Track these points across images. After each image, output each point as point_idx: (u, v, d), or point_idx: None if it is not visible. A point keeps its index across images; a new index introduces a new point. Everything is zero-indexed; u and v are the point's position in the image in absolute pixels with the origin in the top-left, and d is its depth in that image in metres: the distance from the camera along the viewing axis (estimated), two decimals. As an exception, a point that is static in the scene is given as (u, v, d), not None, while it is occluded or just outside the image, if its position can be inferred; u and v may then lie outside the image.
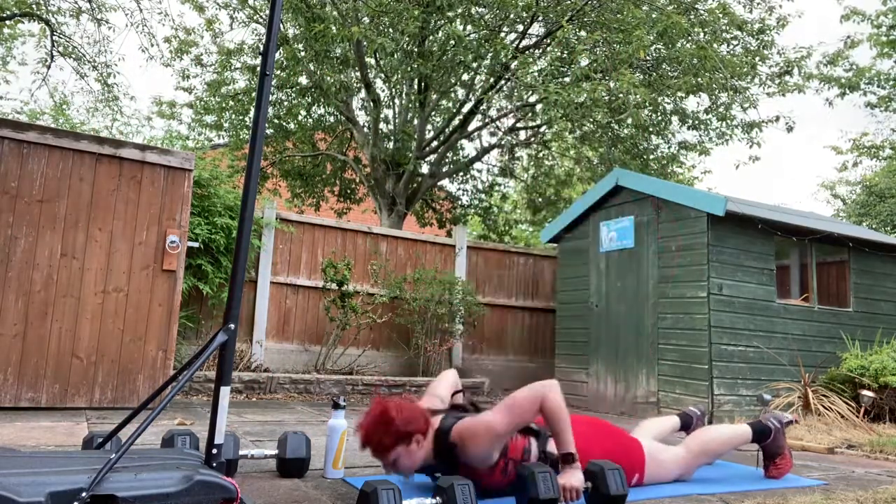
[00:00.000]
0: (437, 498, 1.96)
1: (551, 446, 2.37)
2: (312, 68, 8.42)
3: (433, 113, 9.94)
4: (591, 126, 8.76)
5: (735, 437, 2.84)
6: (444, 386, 2.67)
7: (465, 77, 9.17)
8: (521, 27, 8.44)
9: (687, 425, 3.17)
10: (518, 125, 10.31)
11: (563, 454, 2.22)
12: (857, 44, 13.18)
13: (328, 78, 8.12)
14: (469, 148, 11.31)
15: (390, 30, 7.88)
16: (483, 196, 12.11)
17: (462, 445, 2.20)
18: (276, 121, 9.73)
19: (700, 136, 9.39)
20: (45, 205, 4.13)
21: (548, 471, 2.12)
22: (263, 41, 6.10)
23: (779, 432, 2.88)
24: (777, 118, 8.94)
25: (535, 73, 7.93)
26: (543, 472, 2.10)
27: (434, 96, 9.31)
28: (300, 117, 10.11)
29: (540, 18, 8.24)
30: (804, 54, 8.84)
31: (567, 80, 7.73)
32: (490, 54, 8.06)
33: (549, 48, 8.37)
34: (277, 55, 8.24)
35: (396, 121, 9.99)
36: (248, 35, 14.21)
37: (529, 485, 2.08)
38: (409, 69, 8.20)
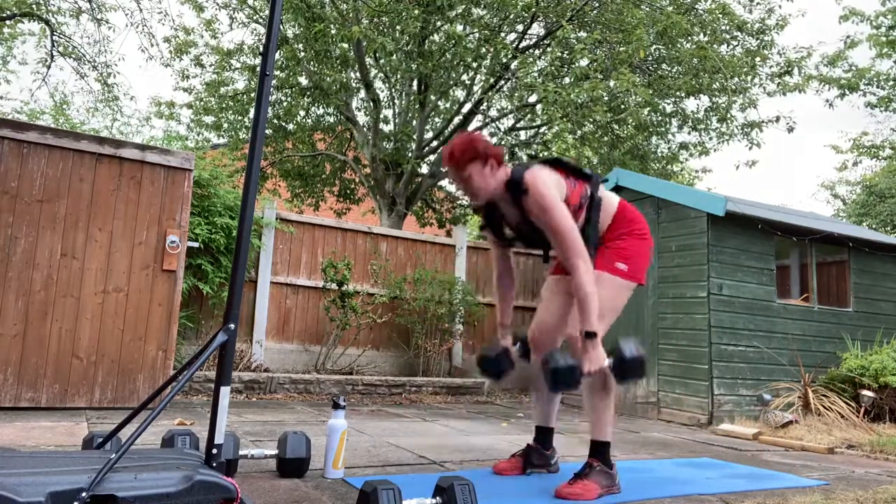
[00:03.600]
0: (437, 498, 1.96)
1: (602, 191, 2.70)
2: (312, 68, 8.42)
3: (433, 113, 9.94)
4: (592, 126, 8.76)
5: (608, 416, 2.60)
6: None
7: (465, 77, 9.17)
8: (520, 27, 8.44)
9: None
10: (518, 125, 10.30)
11: (587, 332, 2.38)
12: (857, 44, 13.18)
13: (328, 78, 8.12)
14: (469, 148, 11.28)
15: (390, 30, 7.88)
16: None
17: (525, 189, 2.47)
18: (275, 121, 9.73)
19: (700, 136, 9.39)
20: (45, 205, 4.13)
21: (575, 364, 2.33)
22: (263, 41, 6.10)
23: (606, 473, 2.53)
24: (777, 118, 8.94)
25: (535, 74, 7.93)
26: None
27: (434, 96, 9.30)
28: (300, 117, 10.11)
29: (540, 18, 8.24)
30: (804, 54, 8.84)
31: (567, 80, 7.73)
32: (490, 54, 8.06)
33: (549, 48, 8.36)
34: (277, 55, 8.24)
35: (396, 121, 9.98)
36: (247, 35, 14.21)
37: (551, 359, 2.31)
38: (409, 69, 8.20)
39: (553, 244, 2.52)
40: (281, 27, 8.69)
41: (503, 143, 10.07)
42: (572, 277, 2.42)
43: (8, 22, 10.30)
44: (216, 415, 1.80)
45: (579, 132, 9.30)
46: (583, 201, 2.63)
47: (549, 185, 2.48)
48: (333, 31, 7.39)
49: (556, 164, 2.65)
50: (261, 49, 5.02)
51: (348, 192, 11.36)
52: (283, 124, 9.88)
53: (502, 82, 8.81)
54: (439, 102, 9.83)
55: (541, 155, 11.33)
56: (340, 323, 6.31)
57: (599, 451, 2.51)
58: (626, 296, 2.67)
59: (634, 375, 2.39)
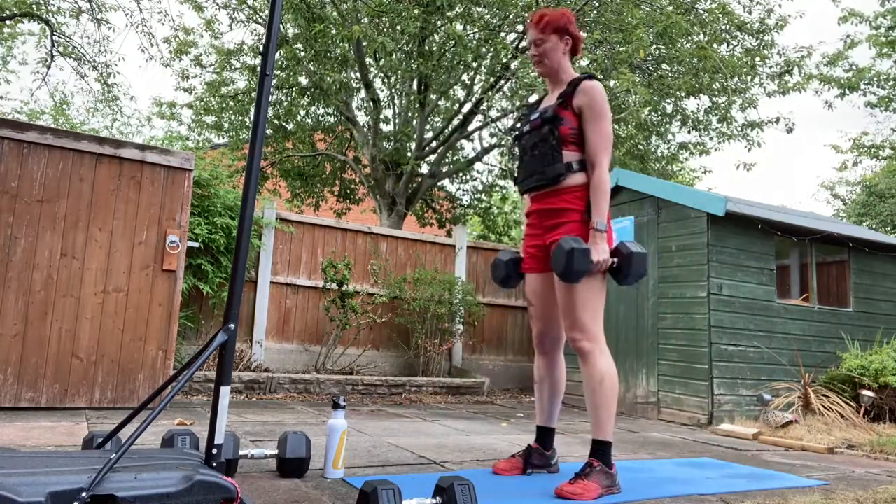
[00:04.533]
0: (437, 498, 1.96)
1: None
2: (312, 68, 8.42)
3: (433, 113, 9.94)
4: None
5: (610, 413, 2.56)
6: None
7: (465, 77, 9.18)
8: (521, 27, 8.44)
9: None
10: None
11: (598, 223, 2.54)
12: (857, 44, 13.19)
13: (328, 78, 8.12)
14: (469, 148, 11.32)
15: (390, 30, 7.88)
16: (483, 196, 12.11)
17: (589, 90, 2.63)
18: (275, 121, 9.74)
19: (700, 136, 9.40)
20: (45, 205, 4.13)
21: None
22: (263, 41, 6.10)
23: (606, 473, 2.49)
24: (777, 119, 8.95)
25: (535, 74, 7.93)
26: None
27: (434, 96, 9.31)
28: (300, 117, 10.12)
29: (540, 18, 8.23)
30: (804, 54, 8.85)
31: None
32: (490, 54, 8.06)
33: (549, 48, 8.35)
34: (277, 55, 8.24)
35: (396, 121, 9.98)
36: (247, 35, 14.22)
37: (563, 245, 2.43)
38: (408, 69, 8.21)
39: (589, 134, 2.62)
40: (281, 27, 8.69)
41: (503, 142, 10.07)
42: (593, 172, 2.59)
43: (8, 22, 10.30)
44: (216, 415, 1.80)
45: (579, 132, 9.29)
46: None
47: (606, 102, 2.66)
48: (333, 31, 7.39)
49: None
50: (261, 49, 5.02)
51: (348, 192, 11.36)
52: (283, 124, 9.89)
53: (502, 82, 8.81)
54: (439, 102, 9.84)
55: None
56: (340, 323, 6.31)
57: (600, 450, 2.51)
58: (602, 286, 2.64)
59: (639, 269, 2.52)
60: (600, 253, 2.50)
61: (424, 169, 9.96)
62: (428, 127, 10.01)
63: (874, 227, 13.18)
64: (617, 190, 6.27)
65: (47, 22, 10.05)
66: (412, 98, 9.45)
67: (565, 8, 2.79)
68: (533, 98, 8.95)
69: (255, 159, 1.93)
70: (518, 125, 2.96)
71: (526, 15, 8.01)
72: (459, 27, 8.02)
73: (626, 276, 2.53)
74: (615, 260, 2.53)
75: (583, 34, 7.87)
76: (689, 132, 9.32)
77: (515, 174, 2.91)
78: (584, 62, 7.96)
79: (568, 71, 2.79)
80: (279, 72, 8.54)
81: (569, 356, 6.67)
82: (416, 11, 7.27)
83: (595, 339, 2.57)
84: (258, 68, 8.97)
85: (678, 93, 8.32)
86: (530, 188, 2.79)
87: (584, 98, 2.62)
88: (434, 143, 9.81)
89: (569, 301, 2.58)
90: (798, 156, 43.98)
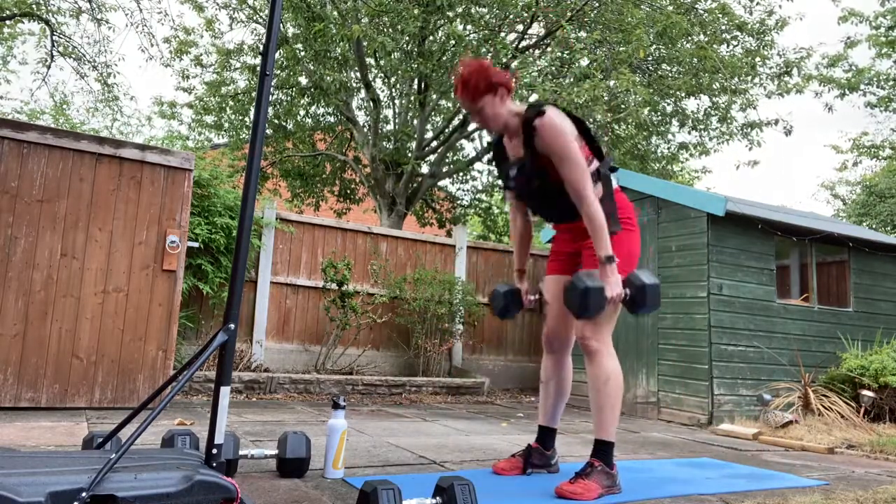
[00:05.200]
0: (437, 498, 1.96)
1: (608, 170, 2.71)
2: (312, 68, 8.42)
3: (433, 113, 9.94)
4: (591, 126, 8.75)
5: (615, 415, 2.58)
6: None
7: (465, 77, 9.16)
8: (520, 27, 8.44)
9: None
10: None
11: (606, 256, 2.47)
12: (856, 44, 13.19)
13: (328, 77, 8.12)
14: (469, 148, 11.31)
15: (390, 29, 7.88)
16: (483, 196, 12.11)
17: (541, 130, 2.52)
18: (275, 121, 9.74)
19: (700, 136, 9.40)
20: (45, 205, 4.13)
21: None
22: (263, 41, 6.10)
23: (607, 473, 2.49)
24: (776, 121, 8.94)
25: (535, 73, 7.94)
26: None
27: (434, 96, 9.30)
28: (300, 117, 10.11)
29: (540, 18, 8.24)
30: (804, 55, 8.85)
31: (567, 79, 7.73)
32: (490, 54, 8.06)
33: (548, 48, 8.37)
34: (277, 55, 8.24)
35: (396, 121, 9.98)
36: (247, 35, 14.22)
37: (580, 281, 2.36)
38: (408, 69, 8.20)
39: (563, 174, 2.53)
40: (281, 27, 8.68)
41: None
42: (582, 208, 2.51)
43: (8, 22, 10.30)
44: (216, 415, 1.80)
45: (579, 132, 9.29)
46: (589, 166, 2.66)
47: (563, 121, 2.55)
48: (333, 31, 7.39)
49: (574, 119, 2.69)
50: (261, 49, 5.02)
51: (348, 192, 11.36)
52: (283, 124, 9.89)
53: (502, 82, 8.79)
54: (440, 102, 9.83)
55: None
56: (340, 323, 6.31)
57: (602, 450, 2.51)
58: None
59: (653, 303, 2.47)
60: (613, 287, 2.45)
61: (424, 169, 9.96)
62: (428, 127, 10.01)
63: (874, 227, 13.18)
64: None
65: (47, 22, 10.05)
66: (412, 98, 9.45)
67: (483, 59, 2.61)
68: (533, 98, 8.95)
69: (255, 159, 1.93)
70: (501, 166, 2.83)
71: (526, 15, 8.02)
72: (459, 27, 8.02)
73: (640, 307, 2.49)
74: (628, 291, 2.48)
75: (582, 34, 7.87)
76: (689, 132, 9.33)
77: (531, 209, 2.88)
78: (584, 62, 7.96)
79: (513, 111, 2.65)
80: (279, 72, 8.55)
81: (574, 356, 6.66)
82: (416, 11, 7.27)
83: (604, 340, 2.59)
84: (258, 68, 8.97)
85: (678, 93, 8.32)
86: (551, 222, 2.84)
87: (541, 142, 2.54)
88: (434, 143, 9.81)
89: None
90: (798, 156, 43.99)
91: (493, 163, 2.90)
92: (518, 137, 2.66)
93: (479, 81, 2.56)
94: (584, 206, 2.50)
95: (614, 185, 2.76)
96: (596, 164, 2.67)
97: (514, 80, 2.71)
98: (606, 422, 2.54)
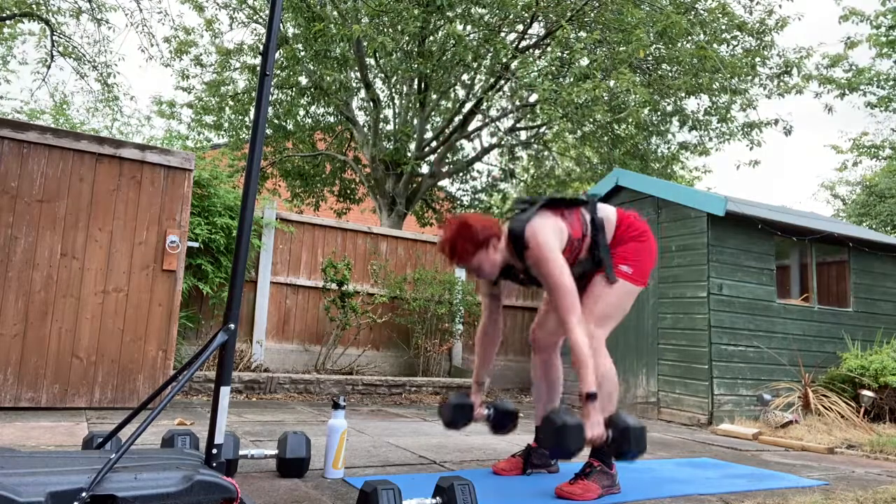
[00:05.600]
0: (437, 498, 1.96)
1: (601, 211, 2.68)
2: (312, 68, 8.42)
3: (433, 113, 9.94)
4: (592, 126, 8.76)
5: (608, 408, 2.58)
6: None
7: (465, 77, 9.18)
8: (520, 27, 8.44)
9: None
10: (518, 125, 10.30)
11: (588, 393, 2.31)
12: (857, 44, 13.19)
13: (328, 77, 8.12)
14: (469, 148, 11.32)
15: (390, 29, 7.88)
16: (483, 196, 12.11)
17: (529, 245, 2.48)
18: (275, 121, 9.74)
19: (700, 136, 9.40)
20: (45, 205, 4.13)
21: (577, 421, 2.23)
22: (263, 41, 6.10)
23: (606, 473, 2.51)
24: (776, 121, 8.94)
25: (535, 73, 7.94)
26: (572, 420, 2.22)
27: (434, 96, 9.31)
28: (300, 117, 10.12)
29: (540, 18, 8.24)
30: (804, 55, 8.85)
31: (567, 79, 7.73)
32: (490, 54, 8.07)
33: (548, 48, 8.37)
34: (277, 55, 8.24)
35: (396, 121, 9.99)
36: (247, 35, 14.21)
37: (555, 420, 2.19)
38: (409, 69, 8.20)
39: (550, 296, 2.51)
40: (281, 27, 8.68)
41: (503, 142, 10.08)
42: (567, 333, 2.40)
43: (8, 22, 10.30)
44: (216, 415, 1.80)
45: (579, 132, 9.30)
46: (585, 231, 2.63)
47: (548, 238, 2.48)
48: (333, 31, 7.39)
49: (550, 203, 2.64)
50: (261, 49, 5.02)
51: (348, 192, 11.36)
52: (283, 124, 9.89)
53: (502, 82, 8.81)
54: (440, 102, 9.84)
55: (541, 155, 11.35)
56: (340, 323, 6.31)
57: (601, 451, 2.51)
58: (631, 299, 2.69)
59: (637, 447, 2.27)
60: (593, 427, 2.25)
61: (424, 169, 9.96)
62: (428, 126, 10.01)
63: (874, 227, 13.18)
64: (617, 190, 6.27)
65: (47, 22, 10.05)
66: (412, 98, 9.45)
67: (466, 217, 2.55)
68: (534, 98, 8.94)
69: (255, 159, 1.93)
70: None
71: (526, 15, 8.02)
72: (459, 27, 8.02)
73: (623, 452, 2.29)
74: (610, 433, 2.29)
75: (582, 34, 7.87)
76: (689, 132, 9.33)
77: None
78: (585, 62, 7.96)
79: (504, 246, 2.58)
80: (279, 72, 8.55)
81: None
82: (416, 11, 7.27)
83: (598, 341, 2.57)
84: (258, 68, 8.97)
85: (678, 93, 8.32)
86: None
87: (528, 254, 2.50)
88: (434, 143, 9.81)
89: (588, 304, 2.59)
90: (798, 156, 44.00)
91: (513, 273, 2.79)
92: (512, 256, 2.60)
93: (466, 245, 2.48)
94: (569, 334, 2.39)
95: (612, 213, 2.69)
96: (587, 215, 2.64)
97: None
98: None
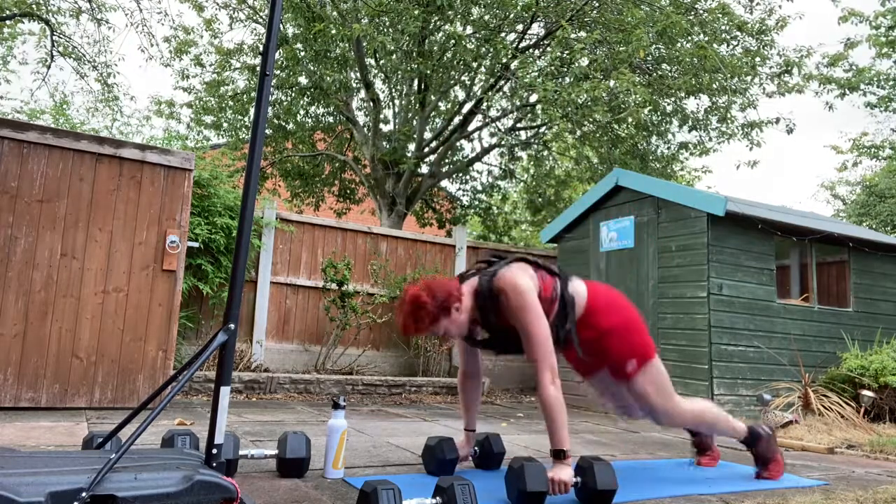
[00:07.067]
0: (437, 498, 1.96)
1: (572, 286, 2.62)
2: (312, 68, 8.42)
3: (433, 113, 9.94)
4: (591, 126, 8.76)
5: (729, 424, 2.84)
6: None
7: (465, 77, 9.18)
8: (520, 27, 8.44)
9: (693, 432, 3.16)
10: (518, 126, 10.30)
11: (555, 450, 2.29)
12: (856, 44, 13.19)
13: (328, 77, 8.12)
14: (469, 148, 11.32)
15: (390, 29, 7.88)
16: (483, 196, 12.11)
17: (500, 295, 2.43)
18: (275, 121, 9.74)
19: (700, 136, 9.39)
20: (45, 205, 4.13)
21: (539, 466, 2.19)
22: (263, 41, 6.10)
23: (769, 439, 2.88)
24: (777, 120, 8.94)
25: (535, 73, 7.94)
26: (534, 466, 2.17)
27: (434, 96, 9.30)
28: (300, 117, 10.12)
29: (540, 18, 8.24)
30: (804, 54, 8.84)
31: (567, 79, 7.73)
32: (490, 54, 8.06)
33: (549, 48, 8.37)
34: (277, 55, 8.24)
35: (396, 121, 9.99)
36: (247, 35, 14.21)
37: (519, 478, 2.14)
38: (408, 69, 8.21)
39: (524, 346, 2.45)
40: (281, 27, 8.69)
41: (503, 142, 10.07)
42: (538, 388, 2.35)
43: (8, 22, 10.30)
44: (216, 415, 1.80)
45: (579, 132, 9.30)
46: (554, 295, 2.58)
47: (526, 282, 2.43)
48: (333, 31, 7.39)
49: (521, 260, 2.61)
50: (261, 49, 5.02)
51: (348, 192, 11.36)
52: (283, 124, 9.89)
53: (502, 82, 8.81)
54: (439, 103, 9.83)
55: (541, 155, 11.35)
56: (340, 323, 6.31)
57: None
58: (659, 367, 2.70)
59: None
60: (558, 486, 2.19)
61: (424, 169, 9.96)
62: (428, 127, 10.01)
63: (874, 227, 13.18)
64: (617, 190, 6.27)
65: (47, 22, 10.05)
66: (412, 98, 9.45)
67: (417, 291, 2.45)
68: (534, 98, 8.94)
69: (255, 159, 1.93)
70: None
71: (525, 15, 8.02)
72: (460, 27, 8.02)
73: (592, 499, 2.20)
74: (578, 480, 2.25)
75: (582, 34, 7.86)
76: (689, 132, 9.32)
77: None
78: (585, 62, 7.96)
79: (469, 305, 2.51)
80: (279, 72, 8.54)
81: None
82: (416, 11, 7.27)
83: (678, 407, 2.70)
84: (258, 68, 8.97)
85: (678, 92, 8.32)
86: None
87: (504, 300, 2.43)
88: (434, 143, 9.81)
89: (645, 402, 2.66)
90: (798, 156, 44.00)
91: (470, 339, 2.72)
92: (476, 312, 2.53)
93: (423, 318, 2.40)
94: (540, 389, 2.32)
95: (583, 291, 2.64)
96: (558, 286, 2.59)
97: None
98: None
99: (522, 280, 2.43)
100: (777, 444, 2.90)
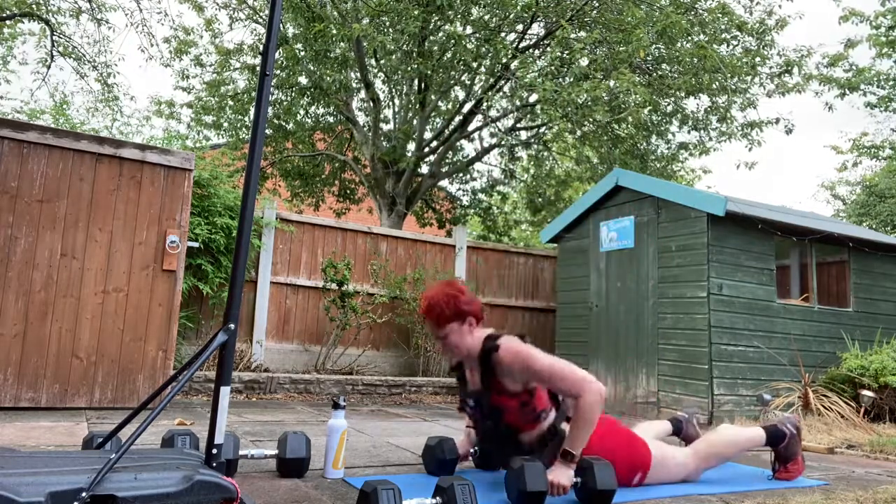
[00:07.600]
0: (437, 498, 1.96)
1: (565, 425, 2.47)
2: (312, 68, 8.42)
3: (433, 113, 9.94)
4: (591, 126, 8.76)
5: (747, 440, 2.78)
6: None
7: (465, 77, 9.18)
8: (520, 27, 8.44)
9: (678, 430, 3.15)
10: (518, 126, 10.30)
11: (564, 450, 2.28)
12: (856, 44, 13.19)
13: (328, 77, 8.12)
14: (469, 148, 11.32)
15: (390, 29, 7.88)
16: (483, 196, 12.12)
17: (502, 356, 2.38)
18: (275, 121, 9.74)
19: (700, 136, 9.40)
20: (45, 205, 4.13)
21: (539, 466, 2.19)
22: (263, 41, 6.10)
23: (793, 438, 2.83)
24: (777, 120, 8.94)
25: (535, 73, 7.94)
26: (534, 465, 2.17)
27: (434, 96, 9.31)
28: (300, 117, 10.12)
29: (540, 18, 8.24)
30: (804, 54, 8.84)
31: (567, 79, 7.73)
32: (490, 54, 8.07)
33: (548, 48, 8.37)
34: (277, 55, 8.24)
35: (396, 120, 9.99)
36: (247, 35, 14.22)
37: (519, 478, 2.14)
38: (408, 69, 8.21)
39: (553, 388, 2.41)
40: (281, 27, 8.69)
41: (503, 142, 10.07)
42: (579, 401, 2.28)
43: (8, 22, 10.30)
44: (216, 415, 1.80)
45: (579, 132, 9.30)
46: (546, 419, 2.50)
47: (527, 347, 2.41)
48: (333, 31, 7.39)
49: None
50: (261, 49, 5.02)
51: (348, 192, 11.36)
52: (283, 124, 9.89)
53: (502, 82, 8.81)
54: (439, 102, 9.83)
55: (541, 155, 11.35)
56: (340, 323, 6.31)
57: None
58: (661, 463, 2.60)
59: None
60: (557, 485, 2.19)
61: (424, 169, 9.97)
62: (428, 127, 10.01)
63: (874, 227, 13.18)
64: (617, 190, 6.27)
65: (47, 22, 10.05)
66: (412, 98, 9.45)
67: (458, 289, 2.50)
68: (534, 98, 8.94)
69: (255, 159, 1.93)
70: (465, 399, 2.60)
71: (525, 15, 8.02)
72: (460, 27, 8.02)
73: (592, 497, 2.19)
74: (578, 480, 2.24)
75: (582, 34, 7.86)
76: (688, 132, 9.33)
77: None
78: (584, 62, 7.96)
79: (479, 340, 2.49)
80: (279, 72, 8.55)
81: (584, 357, 6.66)
82: (416, 11, 7.27)
83: (697, 465, 2.69)
84: (258, 68, 8.97)
85: (678, 92, 8.32)
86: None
87: (505, 361, 2.38)
88: (434, 143, 9.81)
89: (665, 476, 2.62)
90: (798, 156, 44.00)
91: (456, 378, 2.71)
92: (477, 370, 2.50)
93: (444, 308, 2.43)
94: (581, 399, 2.27)
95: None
96: (553, 414, 2.50)
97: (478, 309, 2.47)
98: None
99: (524, 345, 2.41)
100: (800, 444, 2.84)
